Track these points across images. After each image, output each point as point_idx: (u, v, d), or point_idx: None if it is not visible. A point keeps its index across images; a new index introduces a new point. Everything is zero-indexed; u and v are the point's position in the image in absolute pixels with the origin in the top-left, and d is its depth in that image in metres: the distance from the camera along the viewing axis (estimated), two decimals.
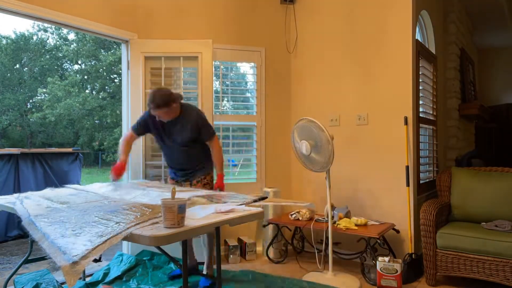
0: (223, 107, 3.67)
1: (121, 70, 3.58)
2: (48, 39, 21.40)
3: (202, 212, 1.77)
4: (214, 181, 2.81)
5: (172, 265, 3.04)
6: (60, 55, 21.29)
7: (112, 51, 20.54)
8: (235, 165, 3.99)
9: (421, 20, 3.75)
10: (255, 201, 2.07)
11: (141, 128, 2.75)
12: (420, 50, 3.31)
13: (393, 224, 3.05)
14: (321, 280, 2.77)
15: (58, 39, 21.51)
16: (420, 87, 3.35)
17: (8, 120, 19.65)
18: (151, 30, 3.37)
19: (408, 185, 3.07)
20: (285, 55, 3.84)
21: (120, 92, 4.28)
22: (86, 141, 20.84)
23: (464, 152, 4.56)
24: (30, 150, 4.60)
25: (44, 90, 19.66)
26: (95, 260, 2.50)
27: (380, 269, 2.63)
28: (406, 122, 3.09)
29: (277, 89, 3.80)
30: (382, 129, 3.25)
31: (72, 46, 21.04)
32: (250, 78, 4.02)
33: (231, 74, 4.05)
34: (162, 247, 1.64)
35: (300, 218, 3.22)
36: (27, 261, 2.42)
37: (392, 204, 3.18)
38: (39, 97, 20.33)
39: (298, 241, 3.55)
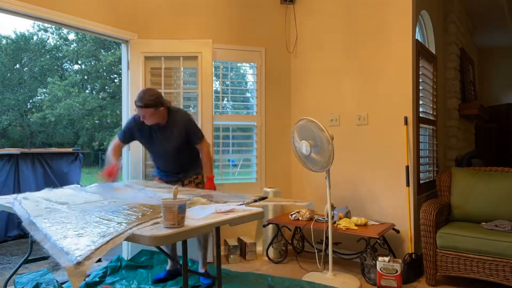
0: (223, 107, 3.67)
1: (121, 70, 3.58)
2: (48, 39, 21.41)
3: (202, 212, 1.77)
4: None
5: None
6: (60, 55, 21.30)
7: (112, 51, 20.54)
8: (235, 165, 3.99)
9: (421, 20, 3.75)
10: (255, 201, 2.07)
11: (128, 136, 2.71)
12: (420, 50, 3.31)
13: (393, 224, 3.05)
14: (321, 280, 2.77)
15: (58, 39, 21.51)
16: (420, 87, 3.35)
17: (8, 120, 19.65)
18: (151, 30, 3.37)
19: (408, 185, 3.07)
20: (285, 55, 3.84)
21: (120, 92, 4.28)
22: (86, 141, 20.84)
23: (464, 152, 4.57)
24: (30, 150, 4.60)
25: (44, 90, 19.66)
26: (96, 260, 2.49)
27: (380, 269, 2.63)
28: (406, 122, 3.10)
29: (277, 89, 3.80)
30: (382, 129, 3.25)
31: (72, 46, 21.05)
32: (250, 78, 4.02)
33: (231, 74, 4.05)
34: (162, 247, 1.64)
35: (300, 218, 3.22)
36: (27, 261, 2.42)
37: (392, 204, 3.18)
38: (39, 97, 20.33)
39: (298, 241, 3.55)
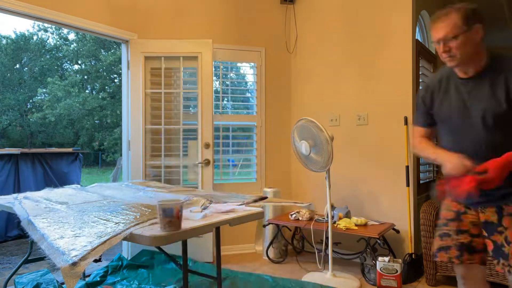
0: (223, 107, 3.67)
1: (121, 70, 3.58)
2: (48, 39, 21.41)
3: (202, 212, 1.77)
4: None
5: (171, 264, 3.04)
6: (60, 55, 21.30)
7: (112, 51, 20.54)
8: (235, 165, 3.99)
9: (421, 20, 3.74)
10: (255, 201, 2.07)
11: (426, 113, 1.73)
12: (420, 50, 3.31)
13: (393, 224, 3.05)
14: (321, 280, 2.77)
15: (58, 39, 21.52)
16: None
17: (8, 120, 19.65)
18: (151, 30, 3.37)
19: (408, 185, 3.07)
20: (285, 55, 3.84)
21: (120, 92, 4.28)
22: (86, 141, 20.85)
23: None
24: (30, 150, 4.60)
25: (44, 90, 19.66)
26: (95, 260, 2.49)
27: (380, 269, 2.63)
28: (406, 122, 3.09)
29: (277, 89, 3.80)
30: (382, 129, 3.25)
31: (72, 46, 21.05)
32: (250, 78, 4.02)
33: (231, 74, 4.05)
34: (162, 247, 1.64)
35: (300, 218, 3.22)
36: (27, 261, 2.42)
37: (392, 204, 3.18)
38: (39, 97, 20.33)
39: (298, 241, 3.55)
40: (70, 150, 4.94)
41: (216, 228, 2.07)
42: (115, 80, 21.42)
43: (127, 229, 1.45)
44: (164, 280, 2.80)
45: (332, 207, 3.07)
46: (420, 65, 3.35)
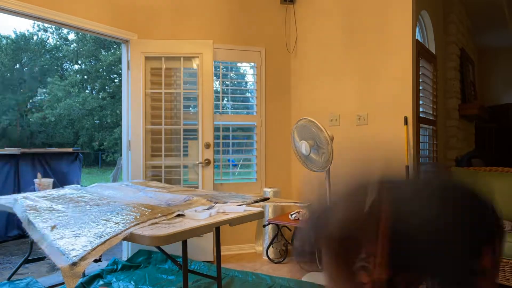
0: (223, 107, 3.68)
1: (121, 70, 3.58)
2: (48, 39, 21.40)
3: (203, 212, 1.77)
4: None
5: (169, 264, 3.04)
6: (60, 55, 21.29)
7: (112, 51, 20.54)
8: (235, 165, 3.99)
9: (421, 20, 3.74)
10: (256, 201, 2.07)
11: None
12: (420, 50, 3.31)
13: None
14: (321, 280, 2.77)
15: (58, 39, 21.51)
16: (420, 87, 3.34)
17: (8, 120, 19.64)
18: (151, 30, 3.37)
19: None
20: (285, 55, 3.84)
21: (120, 92, 4.28)
22: (86, 141, 20.83)
23: (464, 152, 4.56)
24: (30, 150, 4.60)
25: (44, 90, 19.67)
26: (95, 260, 2.49)
27: None
28: (406, 122, 3.09)
29: (277, 89, 3.80)
30: (382, 129, 3.25)
31: (72, 46, 21.05)
32: (250, 78, 4.02)
33: (231, 74, 4.05)
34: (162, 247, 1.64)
35: (300, 218, 3.21)
36: (27, 261, 2.42)
37: None
38: (39, 97, 20.33)
39: None
40: (70, 150, 4.94)
41: (216, 228, 2.07)
42: (115, 80, 21.41)
43: (127, 229, 1.46)
44: (161, 280, 2.79)
45: None
46: (420, 65, 3.35)
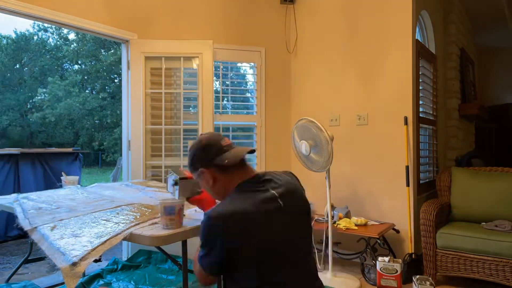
0: (223, 107, 3.68)
1: (121, 70, 3.58)
2: (48, 39, 21.41)
3: (202, 212, 1.77)
4: None
5: (169, 264, 3.04)
6: (60, 55, 21.29)
7: (112, 51, 20.53)
8: None
9: (421, 20, 3.74)
10: None
11: None
12: (420, 50, 3.31)
13: (393, 224, 3.05)
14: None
15: (58, 39, 21.51)
16: (420, 87, 3.34)
17: (8, 120, 19.64)
18: (151, 30, 3.37)
19: (408, 185, 3.06)
20: (285, 55, 3.84)
21: (120, 92, 4.28)
22: (86, 141, 20.84)
23: (464, 152, 4.56)
24: (30, 150, 4.60)
25: (44, 90, 19.66)
26: (95, 260, 2.49)
27: (380, 269, 2.63)
28: (406, 122, 3.09)
29: (277, 89, 3.80)
30: (382, 129, 3.25)
31: (72, 46, 21.04)
32: (250, 78, 4.02)
33: (231, 74, 4.05)
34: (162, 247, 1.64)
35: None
36: (27, 261, 2.42)
37: (392, 204, 3.18)
38: (39, 97, 20.33)
39: None
40: (70, 150, 4.94)
41: None
42: (115, 80, 21.41)
43: (127, 229, 1.46)
44: (161, 280, 2.79)
45: (332, 207, 3.06)
46: (420, 65, 3.35)
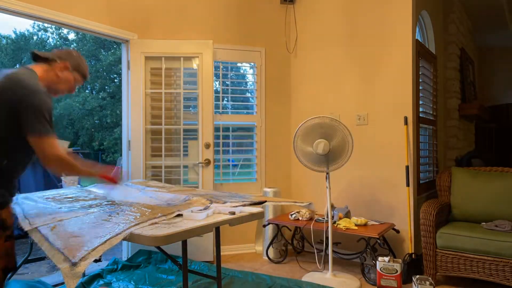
0: (223, 107, 3.68)
1: (121, 70, 3.58)
2: (48, 39, 21.39)
3: (202, 212, 1.77)
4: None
5: (169, 264, 3.04)
6: None
7: (112, 51, 20.52)
8: (235, 165, 3.99)
9: (421, 20, 3.75)
10: (255, 203, 2.07)
11: None
12: (420, 50, 3.31)
13: (393, 224, 3.05)
14: (321, 280, 2.77)
15: (58, 39, 21.50)
16: (420, 87, 3.34)
17: None
18: (151, 30, 3.37)
19: (408, 185, 3.06)
20: (285, 55, 3.84)
21: (120, 92, 4.28)
22: (86, 141, 20.83)
23: (464, 152, 4.56)
24: None
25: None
26: (95, 260, 2.49)
27: (380, 269, 2.63)
28: (406, 122, 3.09)
29: (277, 89, 3.80)
30: (382, 129, 3.25)
31: (72, 46, 21.03)
32: (250, 78, 4.02)
33: (231, 74, 4.05)
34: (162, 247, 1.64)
35: (300, 218, 3.22)
36: (27, 261, 2.42)
37: (392, 204, 3.18)
38: None
39: (298, 241, 3.55)
40: (70, 150, 4.93)
41: (216, 228, 2.07)
42: (115, 80, 21.40)
43: (127, 229, 1.46)
44: (161, 280, 2.79)
45: (332, 207, 3.06)
46: (420, 65, 3.35)
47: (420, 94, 3.34)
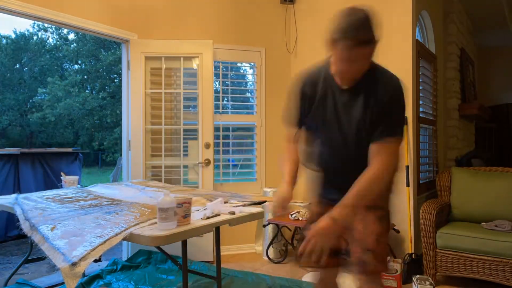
0: (223, 107, 3.68)
1: (121, 70, 3.58)
2: (48, 39, 21.41)
3: (202, 212, 1.77)
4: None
5: (168, 264, 3.04)
6: (60, 55, 21.29)
7: (112, 51, 20.53)
8: (235, 165, 3.99)
9: (421, 20, 3.74)
10: (255, 203, 2.07)
11: (303, 113, 1.62)
12: (420, 50, 3.31)
13: (393, 224, 3.05)
14: None
15: (58, 39, 21.52)
16: (420, 87, 3.34)
17: (8, 120, 19.64)
18: (151, 30, 3.37)
19: (408, 185, 3.06)
20: (285, 55, 3.84)
21: (120, 92, 4.28)
22: (86, 141, 20.84)
23: (464, 152, 4.56)
24: (30, 150, 4.59)
25: (44, 90, 19.65)
26: (95, 260, 2.49)
27: None
28: (406, 122, 3.09)
29: (277, 89, 3.80)
30: None
31: (72, 46, 21.04)
32: (250, 78, 4.02)
33: (231, 74, 4.05)
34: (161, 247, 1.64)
35: (300, 218, 3.21)
36: (27, 261, 2.42)
37: (391, 204, 3.17)
38: (39, 97, 20.32)
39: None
40: (70, 150, 4.94)
41: (216, 228, 2.07)
42: (115, 80, 21.41)
43: (127, 229, 1.46)
44: (161, 280, 2.79)
45: None
46: (420, 65, 3.35)
47: (420, 94, 3.34)
